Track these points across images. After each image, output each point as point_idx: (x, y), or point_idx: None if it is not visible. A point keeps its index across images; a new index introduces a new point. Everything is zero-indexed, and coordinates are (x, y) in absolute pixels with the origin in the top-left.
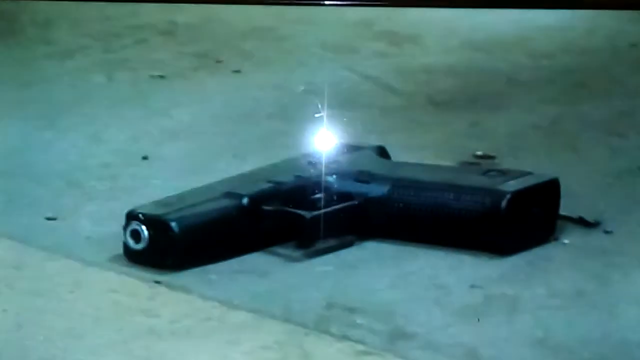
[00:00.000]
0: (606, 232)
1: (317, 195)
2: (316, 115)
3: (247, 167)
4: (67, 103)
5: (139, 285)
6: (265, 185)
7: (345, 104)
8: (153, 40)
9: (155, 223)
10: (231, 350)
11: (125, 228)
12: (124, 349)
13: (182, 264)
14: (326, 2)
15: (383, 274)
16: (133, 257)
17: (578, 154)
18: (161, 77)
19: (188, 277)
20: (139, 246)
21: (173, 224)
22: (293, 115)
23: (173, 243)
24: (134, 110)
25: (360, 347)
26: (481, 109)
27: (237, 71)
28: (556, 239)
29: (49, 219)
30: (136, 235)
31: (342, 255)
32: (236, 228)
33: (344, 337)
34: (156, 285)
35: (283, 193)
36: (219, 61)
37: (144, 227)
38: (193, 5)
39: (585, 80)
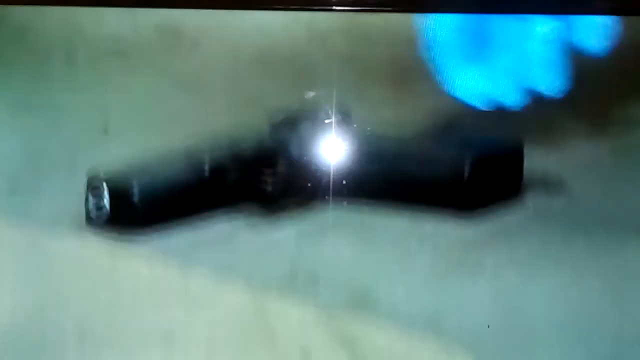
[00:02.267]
0: (570, 195)
1: (280, 161)
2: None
3: (209, 134)
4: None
5: (100, 252)
6: (227, 151)
7: (305, 76)
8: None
9: (117, 189)
10: (194, 318)
11: (86, 195)
12: (87, 320)
13: (143, 230)
14: (336, 8)
15: (346, 241)
16: (94, 223)
17: None
18: (120, 52)
19: (150, 243)
20: (101, 213)
21: (134, 190)
22: (252, 84)
23: (135, 209)
24: (94, 84)
25: (324, 315)
26: None
27: (197, 44)
28: (520, 204)
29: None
30: (98, 201)
31: (305, 222)
32: (198, 194)
33: (308, 305)
34: (118, 251)
35: (245, 159)
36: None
37: (105, 193)
38: None
39: None
